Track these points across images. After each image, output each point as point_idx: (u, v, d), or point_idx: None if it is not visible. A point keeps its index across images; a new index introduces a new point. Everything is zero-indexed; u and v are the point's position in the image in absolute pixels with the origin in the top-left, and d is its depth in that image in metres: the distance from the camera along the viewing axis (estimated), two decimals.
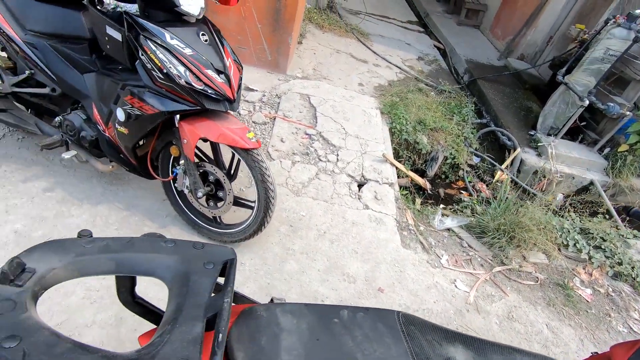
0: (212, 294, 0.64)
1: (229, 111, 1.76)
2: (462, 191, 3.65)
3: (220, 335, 0.55)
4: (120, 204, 2.11)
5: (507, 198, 2.68)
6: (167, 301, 0.63)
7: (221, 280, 0.70)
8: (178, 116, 1.69)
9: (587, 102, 3.68)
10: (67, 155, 1.88)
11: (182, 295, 0.62)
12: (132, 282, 0.79)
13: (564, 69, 4.06)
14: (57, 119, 1.92)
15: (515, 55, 5.85)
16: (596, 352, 1.03)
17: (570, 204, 3.07)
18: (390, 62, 4.91)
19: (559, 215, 2.90)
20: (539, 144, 3.85)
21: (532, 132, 4.10)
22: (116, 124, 1.72)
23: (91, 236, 0.69)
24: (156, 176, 1.92)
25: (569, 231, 2.72)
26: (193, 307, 0.60)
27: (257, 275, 1.95)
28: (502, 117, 4.33)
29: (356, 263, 2.17)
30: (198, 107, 1.59)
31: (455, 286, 2.23)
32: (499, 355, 0.85)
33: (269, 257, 2.06)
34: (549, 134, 4.04)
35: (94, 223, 1.97)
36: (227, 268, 0.70)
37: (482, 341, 0.90)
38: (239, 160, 1.90)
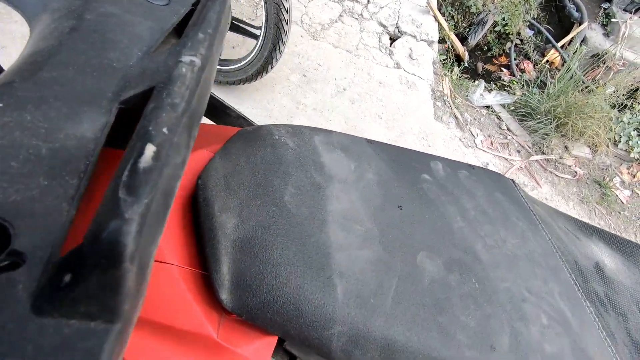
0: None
1: None
2: (503, 69, 3.09)
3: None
4: None
5: (571, 77, 2.18)
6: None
7: None
8: None
9: None
10: None
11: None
12: None
13: None
14: None
15: None
16: None
17: (629, 98, 2.60)
18: None
19: (618, 109, 2.46)
20: (611, 20, 3.12)
21: (606, 5, 3.30)
22: None
23: None
24: None
25: (626, 125, 2.33)
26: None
27: None
28: None
29: (378, 129, 1.79)
30: None
31: None
32: None
33: (274, 109, 1.66)
34: (625, 10, 3.25)
35: None
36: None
37: (623, 240, 0.58)
38: None
